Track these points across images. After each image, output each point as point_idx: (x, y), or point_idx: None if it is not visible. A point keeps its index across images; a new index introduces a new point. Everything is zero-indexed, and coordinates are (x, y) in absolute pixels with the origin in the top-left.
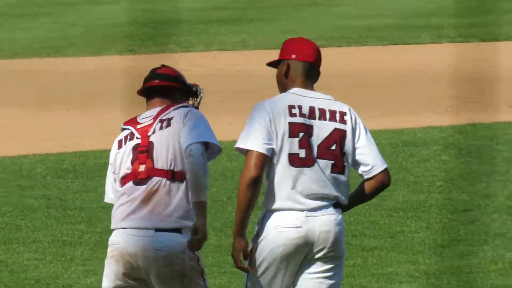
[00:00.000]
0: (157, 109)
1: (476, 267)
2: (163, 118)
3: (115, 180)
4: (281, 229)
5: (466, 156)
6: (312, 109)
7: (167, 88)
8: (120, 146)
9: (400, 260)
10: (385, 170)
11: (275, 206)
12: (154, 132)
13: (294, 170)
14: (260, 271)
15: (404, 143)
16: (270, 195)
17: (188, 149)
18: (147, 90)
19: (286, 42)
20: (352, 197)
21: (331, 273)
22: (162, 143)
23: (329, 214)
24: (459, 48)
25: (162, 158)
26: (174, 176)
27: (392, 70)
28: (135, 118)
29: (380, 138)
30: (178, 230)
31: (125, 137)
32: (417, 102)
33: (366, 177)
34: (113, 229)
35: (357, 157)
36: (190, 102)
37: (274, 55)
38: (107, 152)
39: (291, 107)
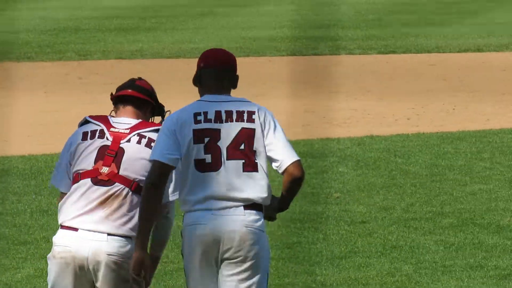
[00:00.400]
0: (133, 120)
1: (373, 279)
2: (143, 134)
3: (68, 169)
4: (190, 227)
5: (364, 168)
6: (218, 113)
7: (141, 101)
8: (85, 139)
9: (297, 271)
10: (294, 162)
11: (187, 209)
12: (129, 141)
13: (202, 175)
14: (185, 266)
15: (301, 154)
16: (184, 200)
17: (167, 210)
18: (122, 98)
19: (201, 55)
20: (281, 195)
21: (244, 276)
22: (136, 156)
23: (237, 215)
24: (358, 60)
25: (131, 169)
26: (137, 189)
27: (290, 81)
28: (107, 117)
29: None
30: (128, 238)
31: (92, 132)
32: (315, 114)
33: (279, 172)
34: (62, 224)
35: (268, 154)
36: (156, 120)
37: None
38: None
39: (196, 114)
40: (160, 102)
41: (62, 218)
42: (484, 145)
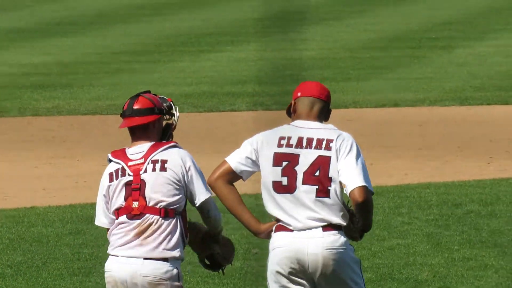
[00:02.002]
0: (146, 145)
1: None
2: (154, 158)
3: (107, 209)
4: (276, 250)
5: None
6: (300, 139)
7: (148, 124)
8: (111, 180)
9: None
10: (358, 188)
11: (274, 230)
12: (145, 171)
13: (279, 196)
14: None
15: (221, 210)
16: (270, 219)
17: (205, 209)
18: (130, 128)
19: (298, 85)
20: (359, 218)
21: None
22: (156, 185)
23: (316, 237)
24: (275, 116)
25: (155, 199)
26: (167, 213)
27: (208, 138)
28: (124, 151)
29: None
30: (164, 259)
31: (116, 171)
32: None
33: (348, 195)
34: (109, 254)
35: (340, 178)
36: (170, 121)
37: (88, 120)
38: None
39: (281, 139)
40: (162, 97)
41: (109, 249)
42: (402, 200)
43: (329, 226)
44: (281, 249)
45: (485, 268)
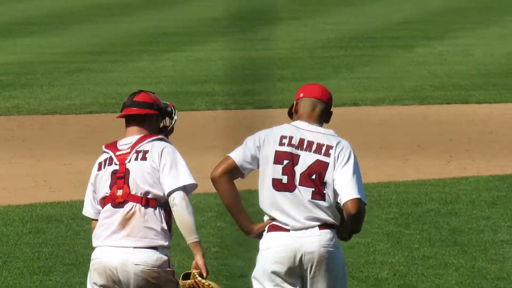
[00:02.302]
0: (135, 137)
1: None
2: (139, 149)
3: (94, 198)
4: (270, 250)
5: None
6: (301, 141)
7: (142, 116)
8: (99, 169)
9: None
10: (352, 200)
11: (266, 229)
12: (130, 161)
13: (278, 193)
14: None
15: None
16: (264, 216)
17: (171, 197)
18: (126, 117)
19: (301, 87)
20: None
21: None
22: (137, 174)
23: (313, 236)
24: (234, 115)
25: (137, 187)
26: (148, 202)
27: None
28: (116, 143)
29: None
30: (154, 248)
31: (105, 161)
32: (193, 171)
33: (341, 205)
34: (95, 246)
35: (335, 187)
36: (167, 122)
37: (47, 120)
38: None
39: (282, 137)
40: (165, 102)
41: (95, 242)
42: None
43: (325, 225)
44: (278, 249)
45: (445, 266)
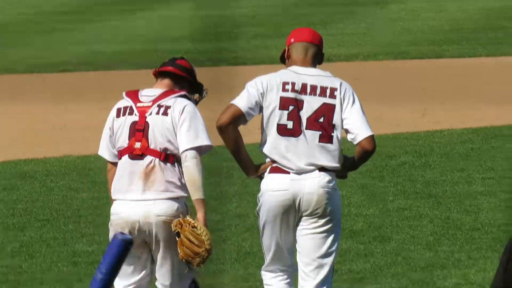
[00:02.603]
0: (159, 90)
1: (228, 285)
2: (161, 103)
3: (110, 142)
4: (271, 192)
5: (217, 177)
6: (304, 86)
7: (178, 77)
8: (118, 115)
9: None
10: (368, 137)
11: (268, 171)
12: (151, 114)
13: (282, 139)
14: (262, 226)
15: None
16: (266, 155)
17: (184, 155)
18: (162, 73)
19: (290, 33)
20: (353, 159)
21: (321, 229)
22: (157, 128)
23: (313, 177)
24: (210, 73)
25: (156, 141)
26: (166, 158)
27: None
28: (137, 92)
29: None
30: (174, 199)
31: (124, 109)
32: None
33: (354, 143)
34: (114, 199)
35: (345, 127)
36: (195, 97)
37: (22, 78)
38: None
39: (285, 83)
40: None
41: (113, 194)
42: None
43: (323, 168)
44: (279, 192)
45: (420, 218)
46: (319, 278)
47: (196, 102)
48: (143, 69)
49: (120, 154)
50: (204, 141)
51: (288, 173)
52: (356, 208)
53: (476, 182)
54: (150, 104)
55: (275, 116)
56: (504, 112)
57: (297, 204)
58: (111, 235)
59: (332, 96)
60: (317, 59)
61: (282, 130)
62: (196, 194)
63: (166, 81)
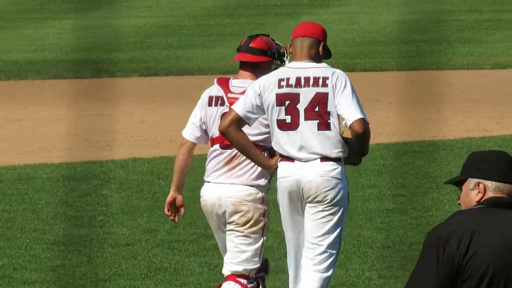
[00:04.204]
0: (248, 81)
1: None
2: None
3: (196, 126)
4: (279, 180)
5: (127, 191)
6: (298, 79)
7: (258, 63)
8: (210, 104)
9: None
10: (357, 120)
11: (279, 161)
12: None
13: (283, 133)
14: (281, 213)
15: (64, 177)
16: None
17: None
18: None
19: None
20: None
21: (321, 215)
22: None
23: (313, 167)
24: (120, 82)
25: (245, 131)
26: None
27: (52, 104)
28: (228, 81)
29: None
30: (249, 186)
31: (216, 98)
32: (78, 137)
33: (348, 128)
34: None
35: (338, 112)
36: (280, 66)
37: None
38: None
39: (280, 80)
40: (278, 44)
41: (205, 177)
42: None
43: (327, 158)
44: (284, 179)
45: None
46: (316, 260)
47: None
48: (55, 78)
49: (212, 141)
50: None
51: (293, 161)
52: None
53: (387, 198)
54: (239, 96)
55: (274, 112)
56: (415, 128)
57: (300, 190)
58: (205, 216)
59: (324, 84)
60: (313, 51)
61: (282, 125)
62: None
63: (246, 71)
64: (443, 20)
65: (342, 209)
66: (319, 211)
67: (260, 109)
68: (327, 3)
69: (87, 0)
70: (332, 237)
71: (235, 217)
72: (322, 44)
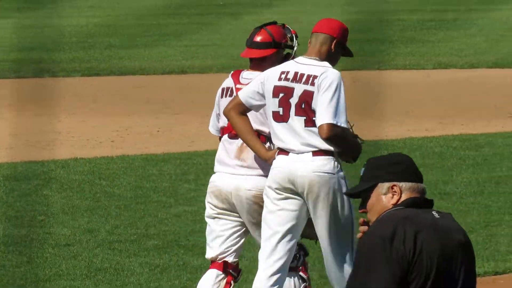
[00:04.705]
0: (256, 73)
1: None
2: None
3: (217, 119)
4: (273, 170)
5: (68, 191)
6: (295, 74)
7: (263, 57)
8: (222, 96)
9: None
10: (324, 124)
11: (276, 155)
12: None
13: (277, 124)
14: None
15: (5, 177)
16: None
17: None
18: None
19: None
20: None
21: (319, 213)
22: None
23: (306, 161)
24: (62, 82)
25: (252, 121)
26: (259, 137)
27: None
28: (240, 72)
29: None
30: (264, 176)
31: (227, 89)
32: (18, 137)
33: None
34: (214, 172)
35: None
36: (290, 51)
37: None
38: None
39: (281, 73)
40: (288, 27)
41: (215, 167)
42: (189, 166)
43: (320, 152)
44: (277, 169)
45: None
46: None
47: (293, 57)
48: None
49: (222, 132)
50: None
51: (287, 154)
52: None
53: None
54: None
55: (270, 104)
56: (356, 128)
57: (294, 185)
58: (207, 203)
59: (312, 83)
60: (324, 47)
61: (276, 117)
62: None
63: (256, 63)
64: (385, 20)
65: (337, 206)
66: (319, 210)
67: (262, 96)
68: (269, 3)
69: (31, 0)
70: (336, 239)
71: (255, 209)
72: (335, 41)
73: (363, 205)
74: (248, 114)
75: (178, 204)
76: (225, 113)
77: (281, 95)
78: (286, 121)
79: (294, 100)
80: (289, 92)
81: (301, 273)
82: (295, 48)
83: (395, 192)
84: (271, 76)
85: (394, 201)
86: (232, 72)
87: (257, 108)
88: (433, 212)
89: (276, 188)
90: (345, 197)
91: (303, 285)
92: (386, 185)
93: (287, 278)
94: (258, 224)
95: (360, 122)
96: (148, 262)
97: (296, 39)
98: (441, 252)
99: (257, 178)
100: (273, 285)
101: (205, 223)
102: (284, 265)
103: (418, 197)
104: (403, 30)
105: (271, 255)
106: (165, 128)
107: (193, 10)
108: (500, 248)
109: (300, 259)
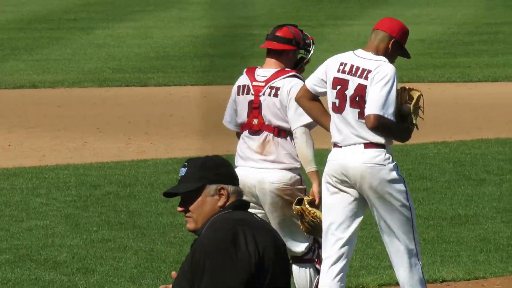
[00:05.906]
0: (272, 70)
1: None
2: (273, 85)
3: (233, 114)
4: (327, 163)
5: None
6: (352, 67)
7: (282, 51)
8: (238, 93)
9: None
10: (369, 115)
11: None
12: (264, 94)
13: (335, 115)
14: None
15: None
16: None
17: (294, 132)
18: (266, 49)
19: None
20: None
21: (377, 203)
22: (269, 108)
23: (358, 153)
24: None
25: (270, 119)
26: (279, 133)
27: None
28: (254, 70)
29: None
30: (287, 170)
31: (243, 87)
32: None
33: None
34: (236, 166)
35: None
36: (305, 55)
37: None
38: None
39: (341, 64)
40: (306, 34)
41: (236, 162)
42: (40, 181)
43: (371, 144)
44: (331, 162)
45: (124, 249)
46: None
47: (307, 60)
48: None
49: (242, 128)
50: (308, 119)
51: (340, 147)
52: (60, 239)
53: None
54: (263, 84)
55: (329, 94)
56: (207, 143)
57: (347, 176)
58: None
59: (366, 77)
60: (381, 45)
61: (333, 107)
62: (308, 167)
63: (270, 59)
64: (237, 35)
65: (393, 195)
66: (374, 204)
67: (326, 83)
68: (121, 18)
69: None
70: (396, 229)
71: (279, 202)
72: (393, 40)
73: (183, 205)
74: (267, 109)
75: (30, 218)
76: (296, 101)
77: (338, 87)
78: (341, 113)
79: (349, 92)
80: (345, 84)
81: (317, 266)
82: (311, 53)
83: (222, 194)
84: (332, 66)
85: (221, 203)
86: (245, 69)
87: (323, 94)
88: (254, 214)
89: (333, 180)
90: (399, 186)
91: (318, 277)
92: (214, 187)
93: (303, 269)
94: (279, 216)
95: (211, 136)
96: (0, 276)
97: (313, 45)
98: (275, 252)
99: (280, 171)
100: (338, 273)
101: (57, 237)
102: (348, 253)
103: (243, 200)
104: (254, 45)
105: (334, 244)
106: (17, 142)
107: (44, 25)
108: (352, 263)
109: (315, 252)
